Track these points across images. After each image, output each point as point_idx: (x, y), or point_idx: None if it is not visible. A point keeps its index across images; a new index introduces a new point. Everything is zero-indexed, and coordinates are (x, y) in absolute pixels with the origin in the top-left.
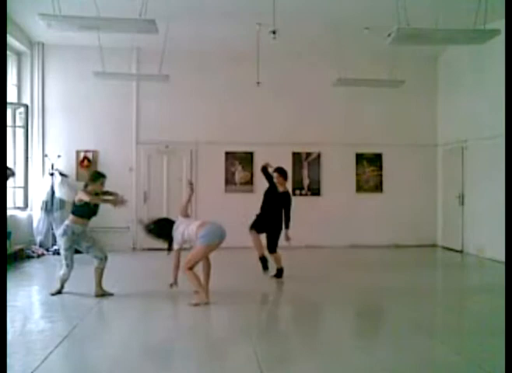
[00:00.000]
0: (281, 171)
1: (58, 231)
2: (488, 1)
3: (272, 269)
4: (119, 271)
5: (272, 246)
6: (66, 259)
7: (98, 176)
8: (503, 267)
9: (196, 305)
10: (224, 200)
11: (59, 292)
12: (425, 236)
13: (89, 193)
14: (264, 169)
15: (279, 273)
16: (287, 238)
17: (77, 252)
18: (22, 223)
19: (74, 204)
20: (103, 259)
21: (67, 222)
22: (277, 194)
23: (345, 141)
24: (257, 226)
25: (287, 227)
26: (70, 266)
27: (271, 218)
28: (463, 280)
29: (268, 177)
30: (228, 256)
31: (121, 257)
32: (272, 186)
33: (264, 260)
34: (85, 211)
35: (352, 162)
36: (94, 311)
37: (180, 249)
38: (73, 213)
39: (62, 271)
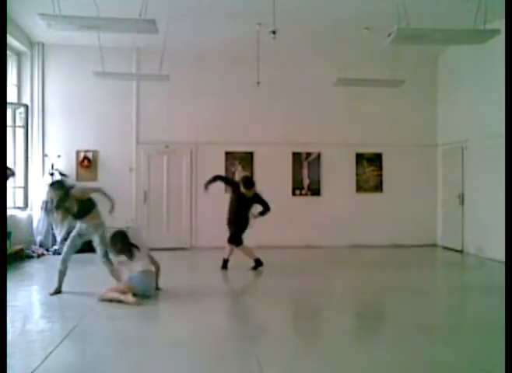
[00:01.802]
0: (243, 182)
1: None
2: (488, 1)
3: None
4: None
5: (238, 239)
6: (65, 247)
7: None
8: (502, 267)
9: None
10: (224, 200)
11: (59, 291)
12: (425, 236)
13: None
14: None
15: (259, 263)
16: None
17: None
18: (22, 223)
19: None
20: (105, 257)
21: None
22: (244, 199)
23: (345, 141)
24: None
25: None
26: (64, 256)
27: (238, 218)
28: (463, 280)
29: (228, 183)
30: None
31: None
32: (237, 192)
33: (258, 262)
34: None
35: (352, 162)
36: (94, 311)
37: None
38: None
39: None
